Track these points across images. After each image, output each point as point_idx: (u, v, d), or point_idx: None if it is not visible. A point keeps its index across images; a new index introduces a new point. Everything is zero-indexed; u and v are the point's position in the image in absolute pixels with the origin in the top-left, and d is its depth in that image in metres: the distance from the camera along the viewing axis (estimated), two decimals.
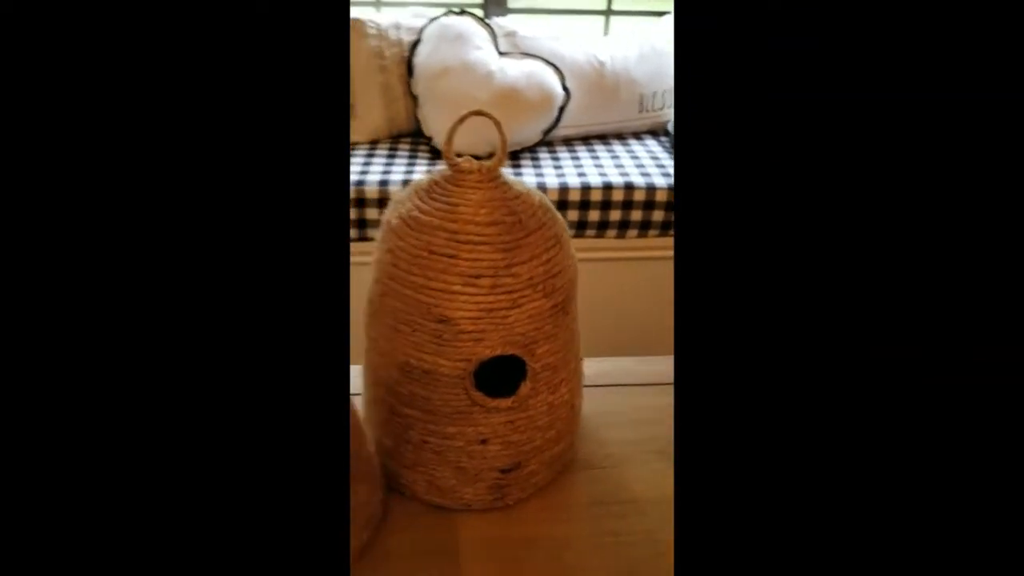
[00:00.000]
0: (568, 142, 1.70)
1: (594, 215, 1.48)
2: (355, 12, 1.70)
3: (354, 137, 1.75)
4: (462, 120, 0.52)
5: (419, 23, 1.72)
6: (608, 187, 1.46)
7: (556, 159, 1.60)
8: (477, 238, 0.50)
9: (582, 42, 1.72)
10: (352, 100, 1.75)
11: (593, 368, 0.70)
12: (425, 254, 0.51)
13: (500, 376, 0.54)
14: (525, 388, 0.54)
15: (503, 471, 0.58)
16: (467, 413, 0.54)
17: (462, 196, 0.51)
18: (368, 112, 1.74)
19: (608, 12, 2.02)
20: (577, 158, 1.61)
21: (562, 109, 1.61)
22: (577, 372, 0.62)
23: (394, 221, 0.54)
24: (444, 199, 0.52)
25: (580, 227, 1.49)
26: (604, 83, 1.68)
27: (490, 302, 0.51)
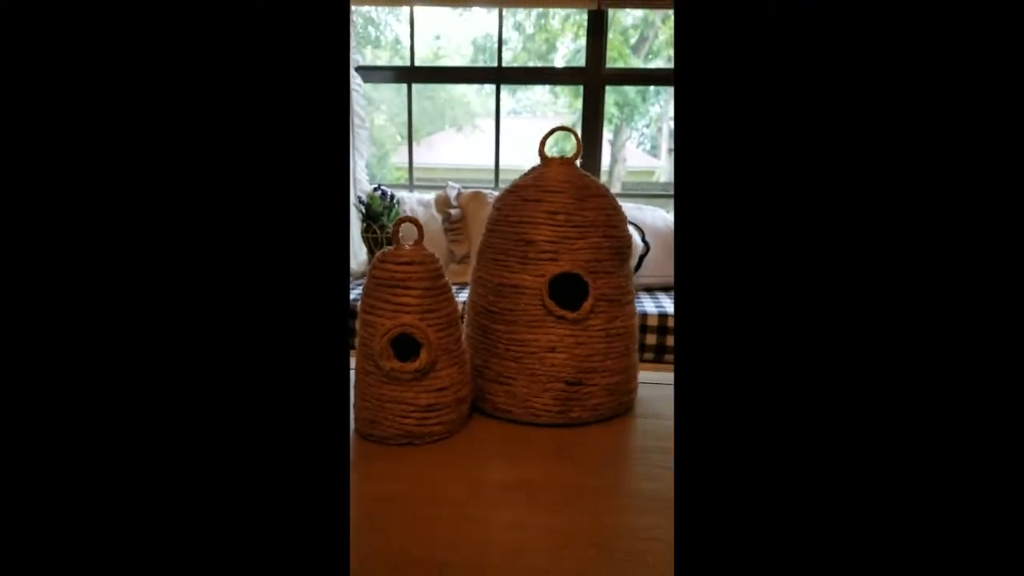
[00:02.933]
0: (650, 290, 1.93)
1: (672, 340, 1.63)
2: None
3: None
4: (551, 133, 0.78)
5: None
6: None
7: (639, 301, 1.82)
8: (557, 187, 0.72)
9: (661, 212, 2.04)
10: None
11: None
12: (520, 201, 0.73)
13: (570, 298, 0.71)
14: (587, 305, 0.70)
15: (568, 383, 0.71)
16: (542, 321, 0.70)
17: (548, 168, 0.75)
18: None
19: None
20: (657, 298, 1.82)
21: (642, 258, 1.87)
22: (632, 327, 0.76)
23: (502, 193, 0.78)
24: (534, 172, 0.76)
25: (659, 351, 1.64)
26: None
27: (564, 232, 0.71)
